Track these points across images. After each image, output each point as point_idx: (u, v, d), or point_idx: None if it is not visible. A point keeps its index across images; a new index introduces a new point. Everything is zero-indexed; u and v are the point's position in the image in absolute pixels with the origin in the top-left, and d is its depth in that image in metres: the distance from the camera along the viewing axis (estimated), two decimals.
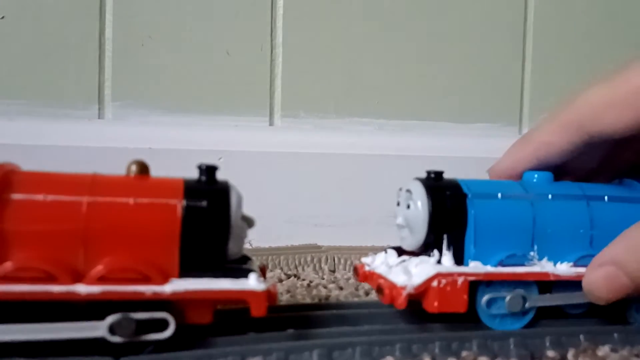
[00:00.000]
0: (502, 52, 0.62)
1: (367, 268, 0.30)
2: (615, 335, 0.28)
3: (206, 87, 0.55)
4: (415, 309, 0.32)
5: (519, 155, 0.32)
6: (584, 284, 0.28)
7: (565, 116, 0.30)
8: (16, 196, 0.23)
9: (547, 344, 0.28)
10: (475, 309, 0.28)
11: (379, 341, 0.26)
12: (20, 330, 0.23)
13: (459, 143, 0.58)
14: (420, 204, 0.28)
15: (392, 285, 0.27)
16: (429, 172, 0.29)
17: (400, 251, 0.30)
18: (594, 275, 0.28)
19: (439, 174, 0.29)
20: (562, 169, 0.32)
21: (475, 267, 0.28)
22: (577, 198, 0.30)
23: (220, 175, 0.26)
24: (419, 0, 0.59)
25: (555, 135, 0.30)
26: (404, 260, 0.29)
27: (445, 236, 0.28)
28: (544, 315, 0.29)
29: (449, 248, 0.28)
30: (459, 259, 0.28)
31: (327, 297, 0.38)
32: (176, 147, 0.51)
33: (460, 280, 0.27)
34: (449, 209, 0.28)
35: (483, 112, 0.61)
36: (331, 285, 0.41)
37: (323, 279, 0.43)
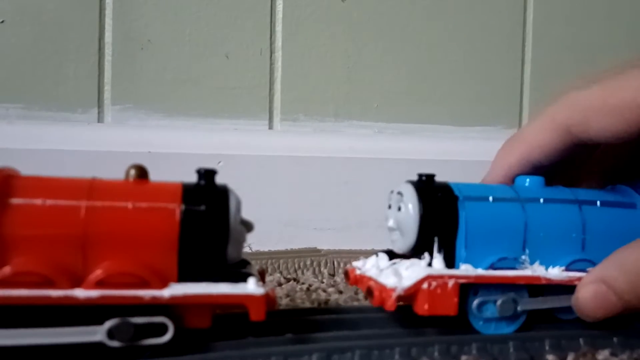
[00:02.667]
0: (502, 55, 0.62)
1: (357, 272, 0.30)
2: (615, 339, 0.28)
3: (206, 90, 0.55)
4: (414, 313, 0.32)
5: (511, 159, 0.32)
6: (573, 300, 0.28)
7: (554, 117, 0.30)
8: (15, 201, 0.23)
9: (547, 347, 0.28)
10: (466, 312, 0.28)
11: (378, 345, 0.26)
12: (18, 335, 0.23)
13: (458, 146, 0.58)
14: (411, 207, 0.28)
15: (382, 288, 0.27)
16: (420, 175, 0.29)
17: (391, 254, 0.30)
18: (584, 292, 0.27)
19: (430, 177, 0.29)
20: (549, 171, 0.32)
21: (466, 270, 0.27)
22: (569, 202, 0.29)
23: (219, 179, 0.26)
24: (418, 4, 0.59)
25: (544, 137, 0.30)
26: (394, 264, 0.29)
27: (436, 239, 0.28)
28: (535, 320, 0.29)
29: (439, 251, 0.28)
30: (450, 262, 0.28)
31: (327, 301, 0.38)
32: (176, 151, 0.51)
33: (450, 282, 0.27)
34: (439, 212, 0.28)
35: (483, 115, 0.61)
36: (331, 289, 0.40)
37: (322, 282, 0.43)
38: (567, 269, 0.29)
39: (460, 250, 0.28)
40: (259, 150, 0.54)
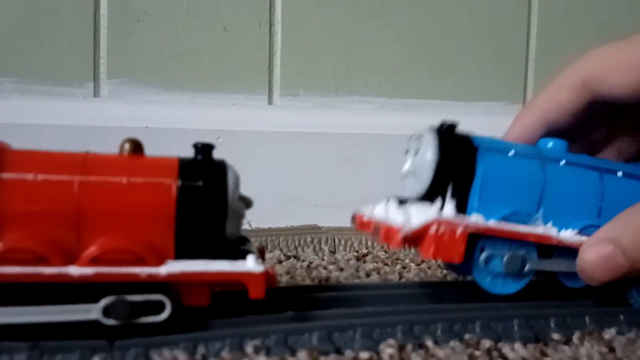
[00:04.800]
0: (506, 29, 0.61)
1: (365, 218, 0.30)
2: (622, 317, 0.28)
3: (203, 64, 0.54)
4: (417, 290, 0.31)
5: (529, 120, 0.31)
6: (577, 262, 0.27)
7: (570, 75, 0.30)
8: (5, 175, 0.22)
9: (552, 325, 0.27)
10: (471, 265, 0.27)
11: (380, 323, 0.26)
12: (11, 313, 0.22)
13: (462, 122, 0.57)
14: (429, 150, 0.28)
15: (389, 227, 0.26)
16: (442, 122, 0.28)
17: (401, 202, 0.29)
18: (589, 253, 0.27)
19: (451, 125, 0.28)
20: (571, 138, 0.31)
21: (476, 219, 0.27)
22: (590, 168, 0.29)
23: (218, 155, 0.25)
24: None
25: (562, 95, 0.30)
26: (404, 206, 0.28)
27: (450, 185, 0.27)
28: (540, 295, 0.29)
29: (452, 198, 0.27)
30: (461, 210, 0.27)
31: (327, 279, 0.37)
32: (173, 126, 0.50)
33: (459, 229, 0.26)
34: (457, 158, 0.27)
35: (487, 91, 0.60)
36: (331, 267, 0.40)
37: (323, 260, 0.43)
38: (580, 233, 0.28)
39: (474, 199, 0.27)
40: (258, 126, 0.53)
